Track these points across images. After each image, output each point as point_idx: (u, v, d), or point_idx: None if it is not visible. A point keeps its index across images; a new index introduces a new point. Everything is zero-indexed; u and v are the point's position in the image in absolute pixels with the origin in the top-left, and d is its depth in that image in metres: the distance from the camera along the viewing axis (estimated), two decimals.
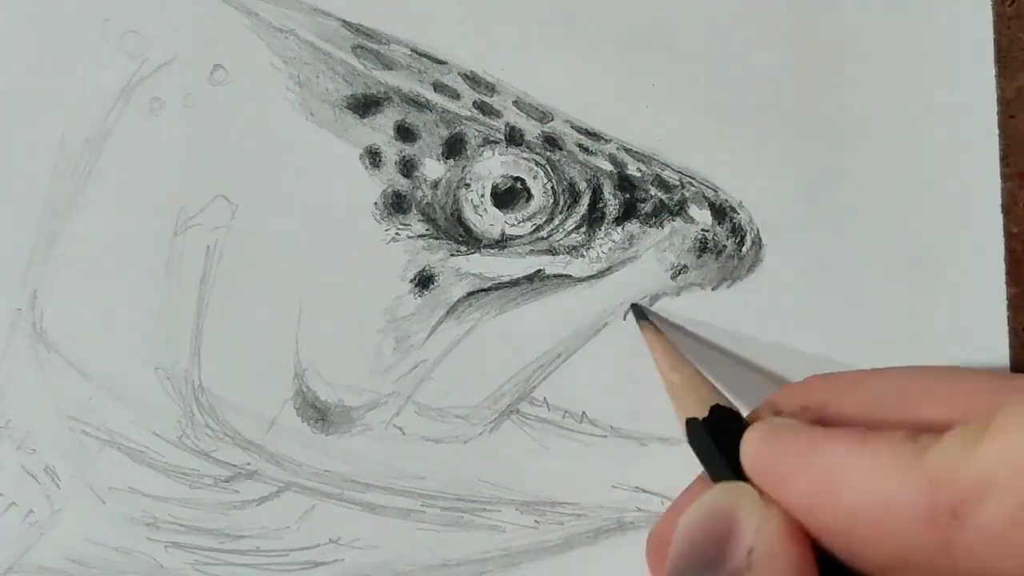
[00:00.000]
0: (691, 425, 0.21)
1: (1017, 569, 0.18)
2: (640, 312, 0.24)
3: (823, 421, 0.21)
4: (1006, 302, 0.23)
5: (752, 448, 0.20)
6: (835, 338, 0.24)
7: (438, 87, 0.23)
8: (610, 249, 0.24)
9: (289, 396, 0.22)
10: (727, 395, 0.22)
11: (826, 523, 0.19)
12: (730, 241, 0.24)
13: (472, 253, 0.24)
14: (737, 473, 0.21)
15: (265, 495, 0.23)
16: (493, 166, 0.23)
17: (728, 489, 0.20)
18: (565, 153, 0.23)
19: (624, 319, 0.23)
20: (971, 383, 0.20)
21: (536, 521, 0.23)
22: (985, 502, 0.17)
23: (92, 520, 0.23)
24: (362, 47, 0.23)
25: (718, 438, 0.21)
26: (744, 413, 0.21)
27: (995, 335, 0.23)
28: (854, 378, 0.22)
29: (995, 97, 0.24)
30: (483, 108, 0.23)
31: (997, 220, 0.23)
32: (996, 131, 0.24)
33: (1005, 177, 0.24)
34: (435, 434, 0.23)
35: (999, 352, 0.24)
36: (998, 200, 0.24)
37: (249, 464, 0.22)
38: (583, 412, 0.23)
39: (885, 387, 0.21)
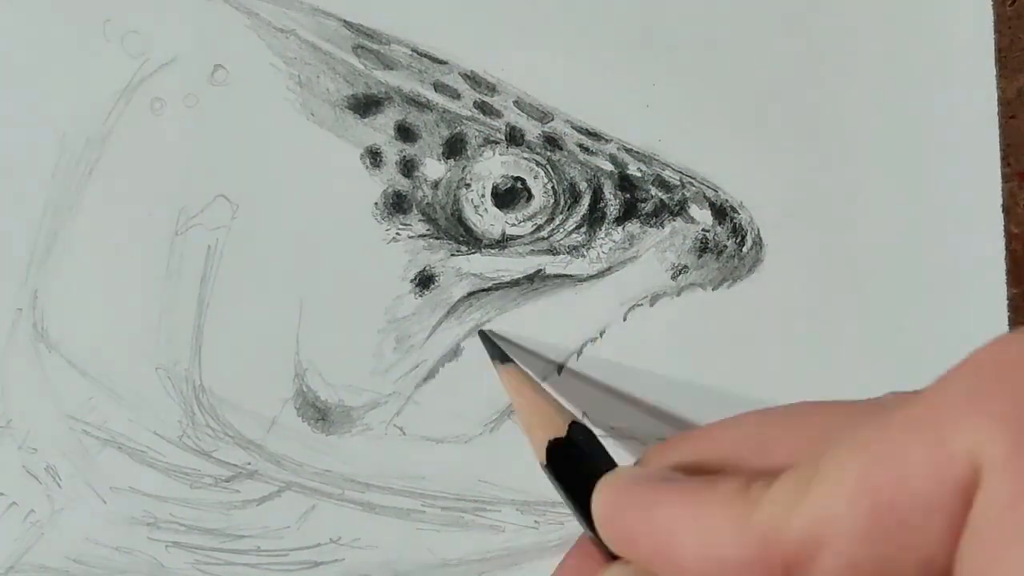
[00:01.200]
0: (551, 448, 0.21)
1: None
2: (487, 338, 0.24)
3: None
4: (1006, 302, 0.24)
5: (598, 508, 0.20)
6: (835, 338, 0.24)
7: (439, 87, 0.23)
8: (610, 249, 0.24)
9: (289, 396, 0.23)
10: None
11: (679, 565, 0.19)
12: (731, 241, 0.24)
13: (473, 253, 0.24)
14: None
15: (265, 495, 0.23)
16: (493, 166, 0.24)
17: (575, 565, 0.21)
18: (566, 153, 0.23)
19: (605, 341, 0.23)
20: (822, 419, 0.20)
21: (536, 521, 0.23)
22: (817, 559, 0.17)
23: (93, 520, 0.23)
24: (363, 47, 0.23)
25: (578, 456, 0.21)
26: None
27: (995, 335, 0.24)
28: (712, 429, 0.21)
29: (995, 97, 0.24)
30: (484, 108, 0.23)
31: (998, 220, 0.24)
32: (996, 131, 0.24)
33: (1005, 177, 0.24)
34: (435, 434, 0.23)
35: None
36: (999, 200, 0.24)
37: (250, 464, 0.23)
38: (583, 412, 0.23)
39: (741, 434, 0.21)
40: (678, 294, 0.24)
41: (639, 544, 0.19)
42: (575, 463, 0.21)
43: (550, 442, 0.21)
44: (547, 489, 0.21)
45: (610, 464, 0.21)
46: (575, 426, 0.21)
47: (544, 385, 0.24)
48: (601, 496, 0.20)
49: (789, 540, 0.17)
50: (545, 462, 0.21)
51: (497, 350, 0.23)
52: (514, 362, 0.23)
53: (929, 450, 0.16)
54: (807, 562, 0.17)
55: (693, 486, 0.19)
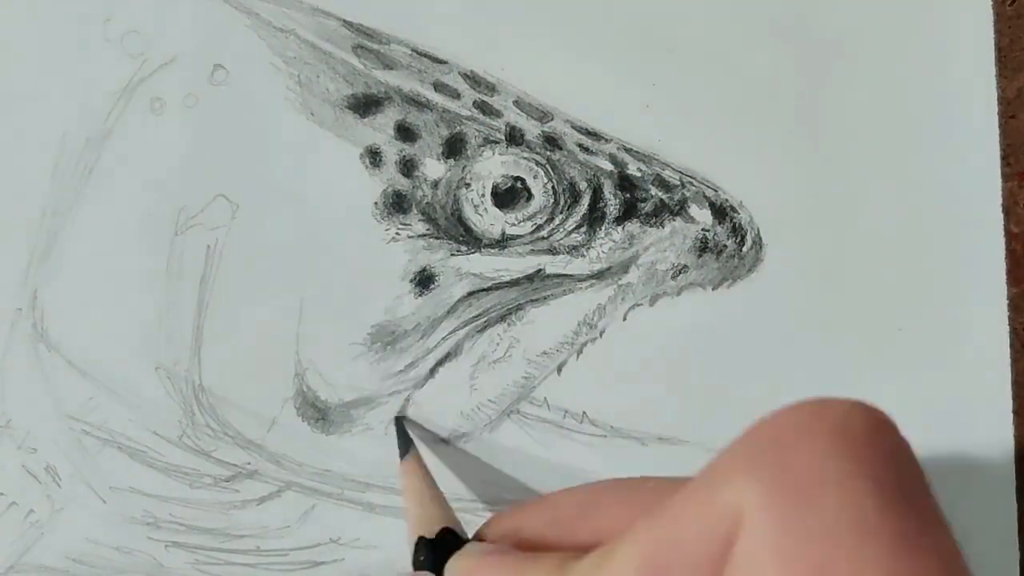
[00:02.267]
0: (419, 543, 0.22)
1: None
2: (400, 426, 0.24)
3: (521, 544, 0.22)
4: (1007, 302, 0.24)
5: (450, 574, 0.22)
6: (835, 338, 0.24)
7: (438, 87, 0.24)
8: (610, 249, 0.24)
9: (290, 395, 0.23)
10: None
11: None
12: (731, 241, 0.24)
13: (472, 253, 0.24)
14: None
15: (266, 495, 0.23)
16: (493, 166, 0.24)
17: None
18: (565, 153, 0.24)
19: (599, 336, 0.24)
20: (641, 496, 0.21)
21: None
22: None
23: (93, 519, 0.23)
24: (362, 47, 0.23)
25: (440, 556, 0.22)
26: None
27: (995, 335, 0.24)
28: (545, 500, 0.23)
29: (995, 97, 0.24)
30: (483, 108, 0.24)
31: (998, 220, 0.24)
32: (996, 131, 0.24)
33: (1005, 177, 0.24)
34: (436, 434, 0.23)
35: (1000, 351, 0.24)
36: (999, 200, 0.24)
37: (249, 464, 0.23)
38: (583, 412, 0.23)
39: (568, 504, 0.22)
40: (678, 294, 0.24)
41: None
42: (441, 559, 0.22)
43: (420, 538, 0.23)
44: (547, 489, 0.22)
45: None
46: (446, 531, 0.22)
47: (542, 386, 0.24)
48: (454, 564, 0.22)
49: None
50: (413, 556, 0.23)
51: (405, 441, 0.24)
52: (417, 454, 0.24)
53: (700, 511, 0.17)
54: None
55: (521, 562, 0.21)
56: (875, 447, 0.18)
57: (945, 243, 0.24)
